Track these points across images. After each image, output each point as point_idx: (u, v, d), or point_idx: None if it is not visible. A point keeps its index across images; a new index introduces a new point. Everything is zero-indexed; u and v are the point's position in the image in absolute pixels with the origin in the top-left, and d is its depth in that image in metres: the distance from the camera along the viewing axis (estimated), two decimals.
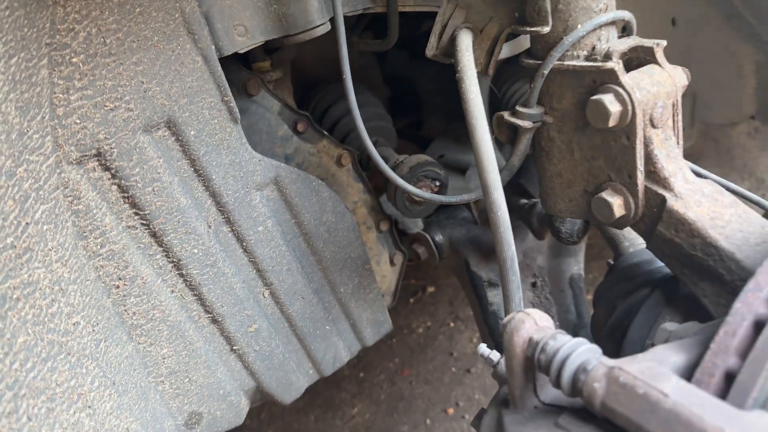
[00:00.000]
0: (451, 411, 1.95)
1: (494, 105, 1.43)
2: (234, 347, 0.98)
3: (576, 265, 1.28)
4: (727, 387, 0.53)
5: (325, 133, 1.13)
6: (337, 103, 1.31)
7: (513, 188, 1.27)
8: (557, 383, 0.59)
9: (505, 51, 0.89)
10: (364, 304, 1.15)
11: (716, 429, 0.47)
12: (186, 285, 0.90)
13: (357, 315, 1.14)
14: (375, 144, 1.30)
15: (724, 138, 2.68)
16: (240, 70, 1.03)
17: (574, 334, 1.24)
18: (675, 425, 0.50)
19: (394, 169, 1.18)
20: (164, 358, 0.91)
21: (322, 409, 2.07)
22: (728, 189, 0.93)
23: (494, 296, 1.26)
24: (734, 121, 1.67)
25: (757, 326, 0.54)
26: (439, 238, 1.34)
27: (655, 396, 0.51)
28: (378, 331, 1.19)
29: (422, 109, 1.73)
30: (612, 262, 0.99)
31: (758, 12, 1.41)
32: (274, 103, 1.07)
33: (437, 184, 1.19)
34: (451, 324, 2.26)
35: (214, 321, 0.95)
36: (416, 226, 1.38)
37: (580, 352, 0.59)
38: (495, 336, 1.20)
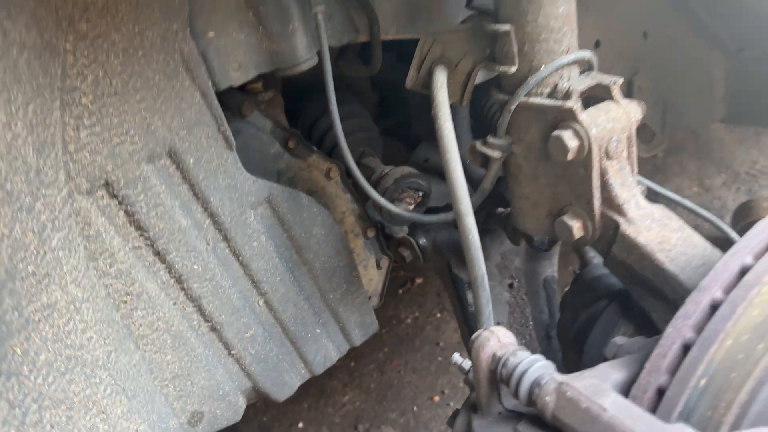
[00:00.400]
0: (437, 398, 2.05)
1: (478, 115, 1.50)
2: (232, 352, 1.07)
3: (550, 267, 1.37)
4: (657, 401, 0.62)
5: (314, 148, 1.21)
6: (325, 115, 1.38)
7: (492, 198, 1.35)
8: (516, 395, 0.68)
9: (481, 76, 0.97)
10: (352, 308, 1.23)
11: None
12: (187, 297, 0.98)
13: (345, 318, 1.22)
14: (362, 155, 1.38)
15: (703, 132, 2.77)
16: (234, 92, 1.10)
17: (547, 334, 1.33)
18: (605, 428, 0.59)
19: (379, 179, 1.26)
20: (168, 364, 0.99)
21: (314, 397, 2.16)
22: (681, 205, 1.02)
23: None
24: (705, 124, 1.76)
25: (685, 348, 0.63)
26: (422, 241, 1.42)
27: (595, 410, 0.60)
28: (365, 332, 1.28)
29: (410, 111, 1.80)
30: (578, 271, 1.07)
31: (723, 23, 1.49)
32: (266, 123, 1.15)
33: (420, 194, 1.27)
34: (438, 315, 2.35)
35: (213, 329, 1.03)
36: (402, 230, 1.46)
37: (536, 369, 0.67)
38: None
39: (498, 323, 1.32)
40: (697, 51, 1.56)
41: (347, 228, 1.28)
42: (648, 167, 2.67)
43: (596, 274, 1.00)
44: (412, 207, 1.27)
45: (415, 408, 2.05)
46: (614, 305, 0.89)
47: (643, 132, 1.57)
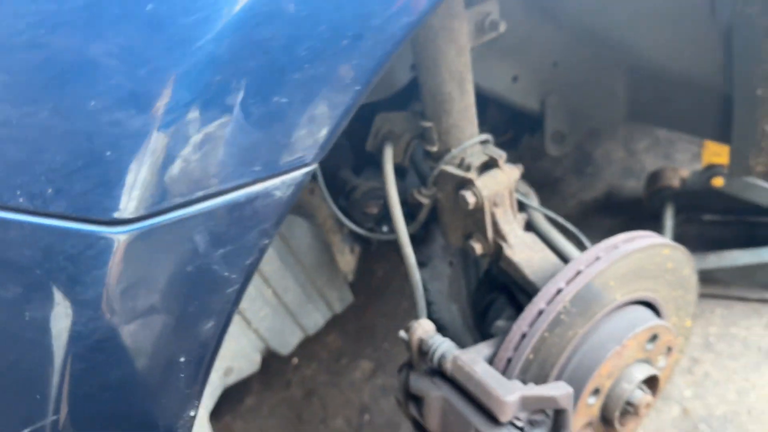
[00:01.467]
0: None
1: None
2: (251, 326, 1.54)
3: None
4: (507, 367, 1.10)
5: None
6: None
7: None
8: (432, 362, 1.16)
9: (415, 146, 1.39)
10: (333, 288, 1.71)
11: (493, 388, 1.04)
12: None
13: (329, 296, 1.70)
14: (338, 168, 1.81)
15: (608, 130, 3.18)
16: None
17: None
18: (478, 387, 1.06)
19: (351, 191, 1.70)
20: None
21: (305, 339, 2.67)
22: (551, 220, 1.47)
23: (424, 273, 1.82)
24: (609, 125, 2.20)
25: (522, 336, 1.10)
26: (385, 228, 1.88)
27: (472, 373, 1.08)
28: (343, 303, 1.76)
29: None
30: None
31: (618, 43, 1.89)
32: None
33: (382, 203, 1.71)
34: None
35: (238, 312, 1.50)
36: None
37: (442, 347, 1.14)
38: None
39: (439, 292, 1.80)
40: (599, 70, 1.97)
41: (328, 228, 1.73)
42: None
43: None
44: (376, 211, 1.72)
45: (386, 345, 2.56)
46: (504, 297, 1.37)
47: (556, 136, 2.01)
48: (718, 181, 2.13)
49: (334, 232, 1.76)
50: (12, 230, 0.44)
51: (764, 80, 1.54)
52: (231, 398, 2.42)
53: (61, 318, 0.47)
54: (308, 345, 2.64)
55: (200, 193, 0.48)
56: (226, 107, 0.47)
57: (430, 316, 1.70)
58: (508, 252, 1.28)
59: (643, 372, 1.16)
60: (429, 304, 1.67)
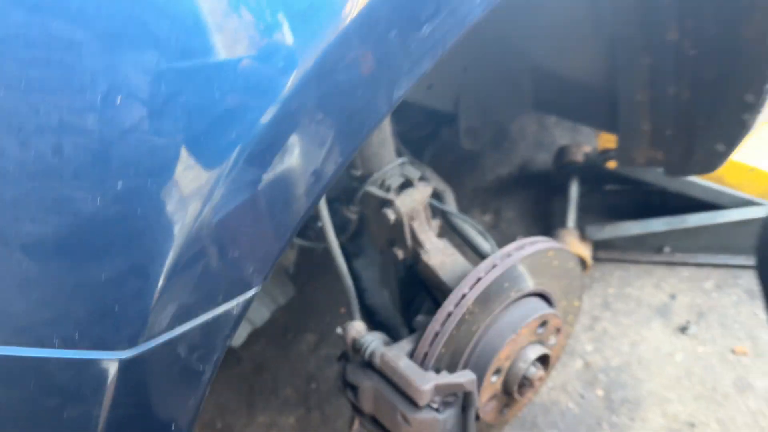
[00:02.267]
0: (343, 310, 2.81)
1: None
2: None
3: None
4: (424, 360, 1.35)
5: None
6: None
7: None
8: (364, 357, 1.39)
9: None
10: (277, 283, 1.91)
11: (413, 379, 1.28)
12: None
13: (273, 291, 1.90)
14: None
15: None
16: None
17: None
18: (402, 378, 1.30)
19: None
20: None
21: None
22: (469, 223, 1.71)
23: (357, 263, 2.05)
24: (516, 117, 2.44)
25: (435, 335, 1.34)
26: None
27: (396, 367, 1.32)
28: (286, 296, 1.98)
29: None
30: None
31: (521, 49, 2.11)
32: None
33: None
34: None
35: None
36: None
37: (372, 345, 1.38)
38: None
39: (372, 279, 2.03)
40: (505, 72, 2.19)
41: None
42: None
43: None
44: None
45: (327, 318, 2.80)
46: (423, 292, 1.61)
47: (469, 132, 2.23)
48: (612, 164, 2.42)
49: None
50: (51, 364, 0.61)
51: (642, 87, 1.80)
52: None
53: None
54: None
55: (184, 322, 0.67)
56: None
57: (364, 302, 1.93)
58: (425, 257, 1.52)
59: (535, 352, 1.43)
60: (363, 290, 1.89)
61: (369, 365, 1.39)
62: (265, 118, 0.64)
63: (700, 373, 2.13)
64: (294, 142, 0.67)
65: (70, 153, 0.58)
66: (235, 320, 0.71)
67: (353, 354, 1.43)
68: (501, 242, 1.54)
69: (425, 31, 0.72)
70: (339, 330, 1.52)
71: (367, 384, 1.38)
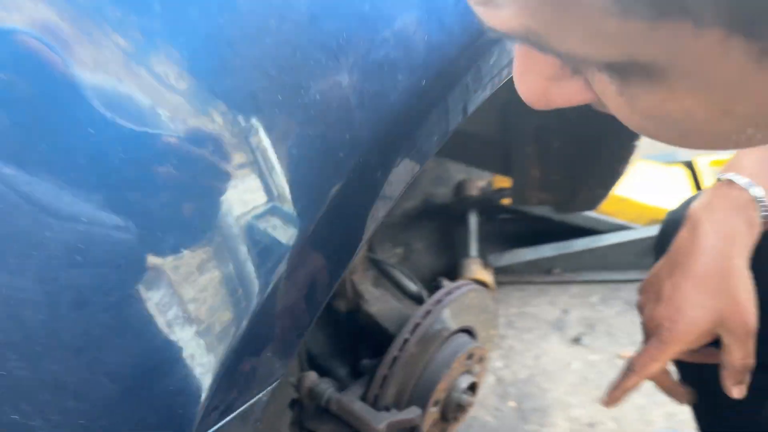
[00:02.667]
0: None
1: None
2: None
3: None
4: (375, 401, 1.54)
5: None
6: None
7: None
8: (320, 403, 1.56)
9: None
10: None
11: (368, 420, 1.47)
12: None
13: None
14: None
15: None
16: None
17: None
18: (357, 420, 1.48)
19: None
20: None
21: None
22: (397, 269, 1.93)
23: None
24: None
25: (384, 377, 1.54)
26: None
27: (351, 410, 1.50)
28: None
29: None
30: None
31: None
32: None
33: None
34: None
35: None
36: None
37: (327, 392, 1.55)
38: None
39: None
40: None
41: None
42: None
43: None
44: None
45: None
46: (366, 335, 1.81)
47: None
48: (507, 201, 2.74)
49: None
50: None
51: (531, 142, 2.10)
52: None
53: None
54: None
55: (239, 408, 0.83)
56: None
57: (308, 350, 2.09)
58: (365, 306, 1.71)
59: (466, 381, 1.66)
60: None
61: (325, 411, 1.56)
62: None
63: (594, 378, 2.46)
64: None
65: None
66: (260, 406, 0.87)
67: (308, 401, 1.60)
68: (416, 273, 1.78)
69: None
70: (292, 379, 1.68)
71: (325, 428, 1.55)
